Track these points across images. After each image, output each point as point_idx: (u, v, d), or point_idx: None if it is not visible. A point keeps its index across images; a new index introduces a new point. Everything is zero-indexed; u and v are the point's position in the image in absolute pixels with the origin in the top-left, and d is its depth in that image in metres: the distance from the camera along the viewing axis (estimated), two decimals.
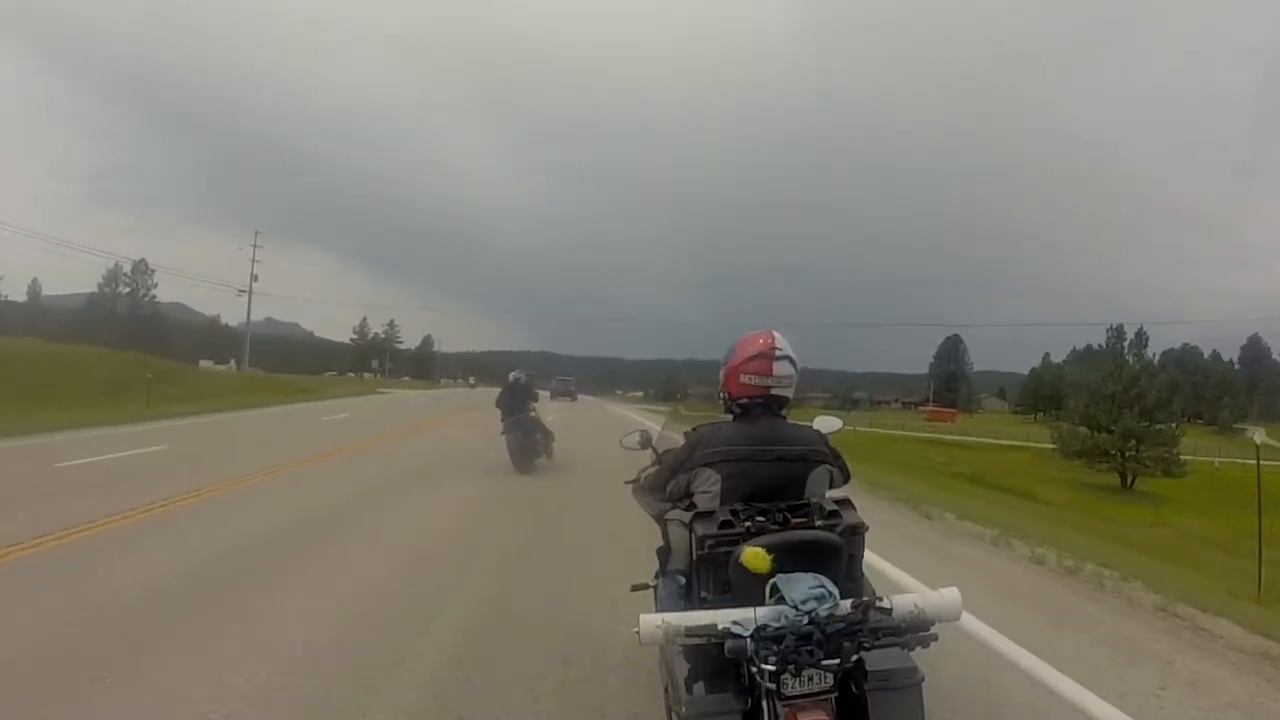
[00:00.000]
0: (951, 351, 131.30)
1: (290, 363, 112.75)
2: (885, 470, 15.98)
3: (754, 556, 2.17)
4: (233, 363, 57.22)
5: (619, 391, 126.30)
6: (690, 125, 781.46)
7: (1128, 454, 41.29)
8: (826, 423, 3.11)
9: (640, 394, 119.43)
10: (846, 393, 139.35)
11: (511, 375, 13.15)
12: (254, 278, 52.78)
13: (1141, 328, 49.18)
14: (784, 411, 2.74)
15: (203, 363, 62.15)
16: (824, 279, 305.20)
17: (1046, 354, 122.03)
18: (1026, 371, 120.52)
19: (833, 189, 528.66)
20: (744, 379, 2.65)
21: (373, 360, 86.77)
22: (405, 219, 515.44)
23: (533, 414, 12.54)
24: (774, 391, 2.66)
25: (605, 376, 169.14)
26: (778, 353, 2.63)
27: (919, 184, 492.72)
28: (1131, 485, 41.77)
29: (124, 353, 41.62)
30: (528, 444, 12.09)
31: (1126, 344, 46.18)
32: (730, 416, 2.76)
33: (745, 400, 2.69)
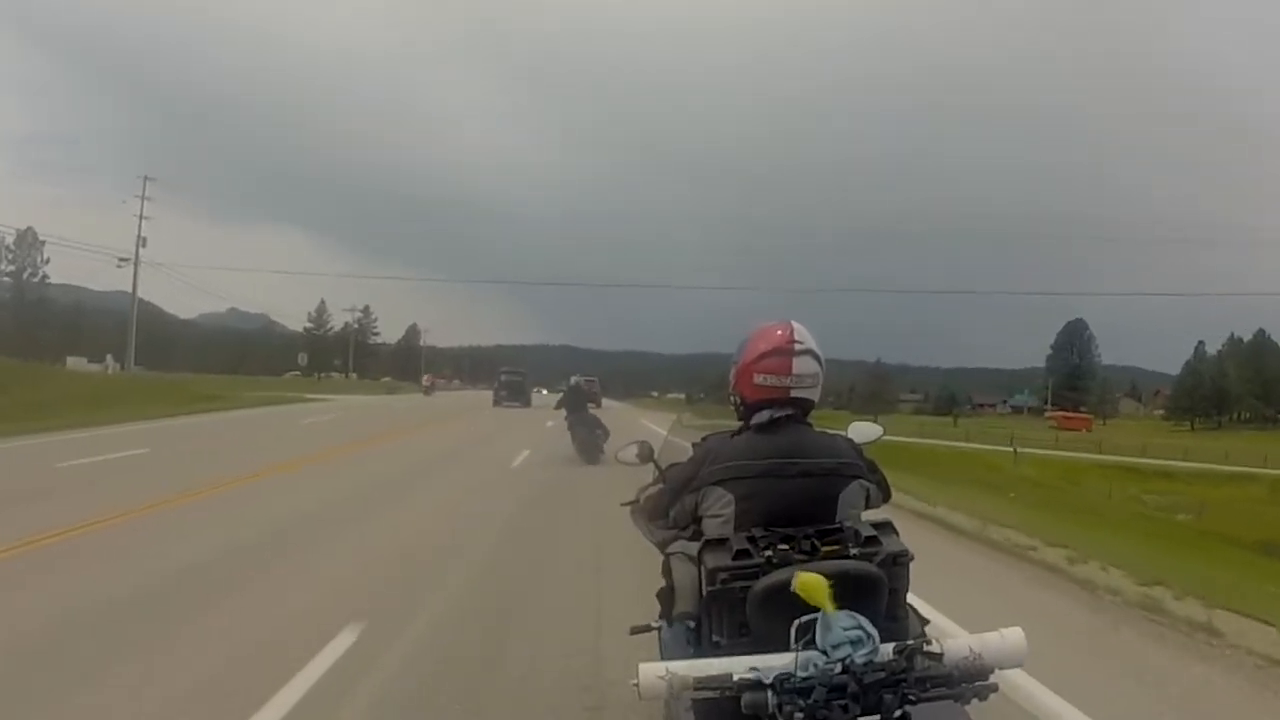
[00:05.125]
0: (1073, 340, 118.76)
1: (249, 360, 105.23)
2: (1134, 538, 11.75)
3: (811, 585, 2.03)
4: (109, 359, 48.38)
5: (654, 393, 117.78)
6: (743, 72, 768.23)
7: None
8: (861, 430, 3.01)
9: (681, 396, 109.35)
10: (940, 391, 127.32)
11: (572, 379, 19.01)
12: (141, 241, 43.78)
13: None
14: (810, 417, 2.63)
15: (71, 360, 54.49)
16: (904, 250, 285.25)
17: (1200, 343, 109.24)
18: (1156, 365, 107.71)
19: (914, 142, 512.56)
20: (758, 379, 2.53)
21: (300, 355, 76.25)
22: (396, 190, 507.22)
23: (592, 412, 17.49)
24: (795, 393, 2.52)
25: (638, 375, 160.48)
26: (798, 347, 2.50)
27: (1017, 135, 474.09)
28: None
29: None
30: (591, 439, 15.80)
31: None
32: (744, 424, 2.61)
33: (761, 404, 2.54)
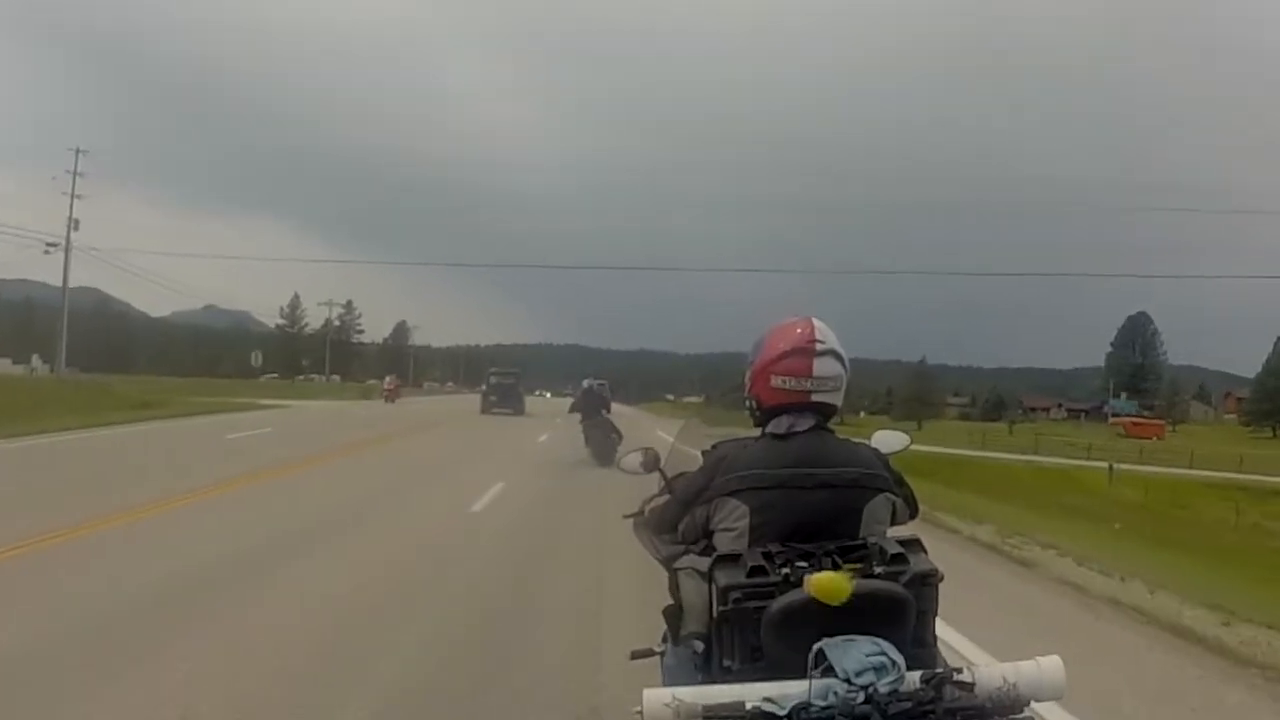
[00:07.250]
0: (1136, 337, 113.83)
1: (224, 361, 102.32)
2: None
3: (829, 583, 2.01)
4: (36, 360, 44.92)
5: (669, 396, 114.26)
6: (771, 37, 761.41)
7: None
8: (887, 439, 2.86)
9: (700, 399, 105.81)
10: (988, 394, 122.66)
11: (585, 382, 19.86)
12: (73, 224, 40.08)
13: None
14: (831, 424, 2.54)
15: None
16: (947, 237, 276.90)
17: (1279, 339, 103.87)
18: (1220, 365, 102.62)
19: (956, 112, 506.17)
20: (776, 381, 2.45)
21: (253, 355, 71.07)
22: (389, 170, 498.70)
23: (607, 416, 18.25)
24: (815, 397, 2.44)
25: (653, 376, 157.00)
26: (819, 346, 2.41)
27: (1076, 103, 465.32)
28: None
29: None
30: (606, 443, 16.76)
31: None
32: (760, 430, 2.55)
33: (779, 409, 2.47)
